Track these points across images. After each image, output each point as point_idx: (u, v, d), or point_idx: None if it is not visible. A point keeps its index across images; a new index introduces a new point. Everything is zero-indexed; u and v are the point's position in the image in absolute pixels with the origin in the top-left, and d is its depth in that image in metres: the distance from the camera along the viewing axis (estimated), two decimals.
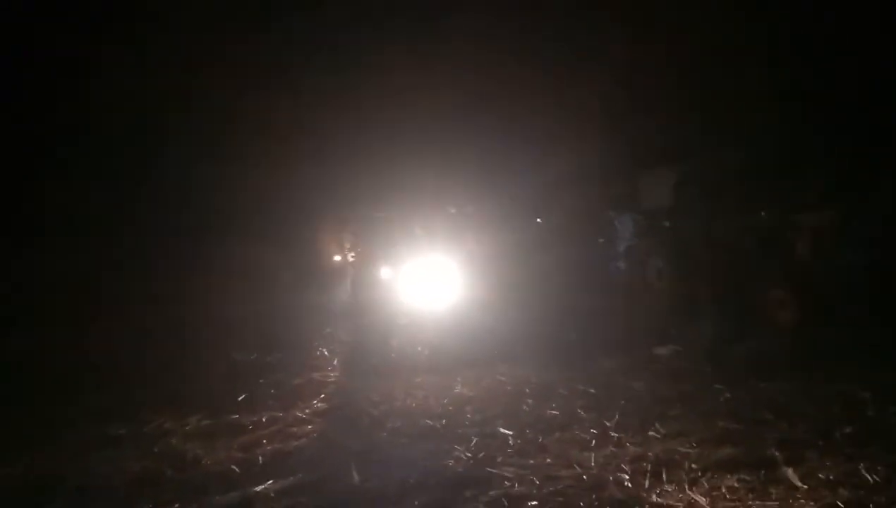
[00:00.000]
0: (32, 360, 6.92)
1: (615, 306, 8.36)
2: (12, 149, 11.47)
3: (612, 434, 4.06)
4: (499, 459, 3.72)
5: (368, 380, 5.83)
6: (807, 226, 7.09)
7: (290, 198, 13.51)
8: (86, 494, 3.64)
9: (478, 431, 4.26)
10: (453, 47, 11.31)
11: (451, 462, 3.73)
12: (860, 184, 6.81)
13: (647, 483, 3.26)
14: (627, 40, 10.45)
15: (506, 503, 3.16)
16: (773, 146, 8.25)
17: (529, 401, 4.99)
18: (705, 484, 3.22)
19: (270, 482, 3.60)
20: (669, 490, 3.19)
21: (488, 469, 3.58)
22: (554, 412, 4.64)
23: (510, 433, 4.18)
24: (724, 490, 3.15)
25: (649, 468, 3.45)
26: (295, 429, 4.63)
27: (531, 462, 3.65)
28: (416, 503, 3.19)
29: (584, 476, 3.40)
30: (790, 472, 3.27)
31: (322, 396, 5.53)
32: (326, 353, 7.33)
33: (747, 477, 3.26)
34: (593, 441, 3.95)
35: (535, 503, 3.15)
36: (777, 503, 3.02)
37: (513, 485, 3.33)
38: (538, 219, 10.86)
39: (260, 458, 4.06)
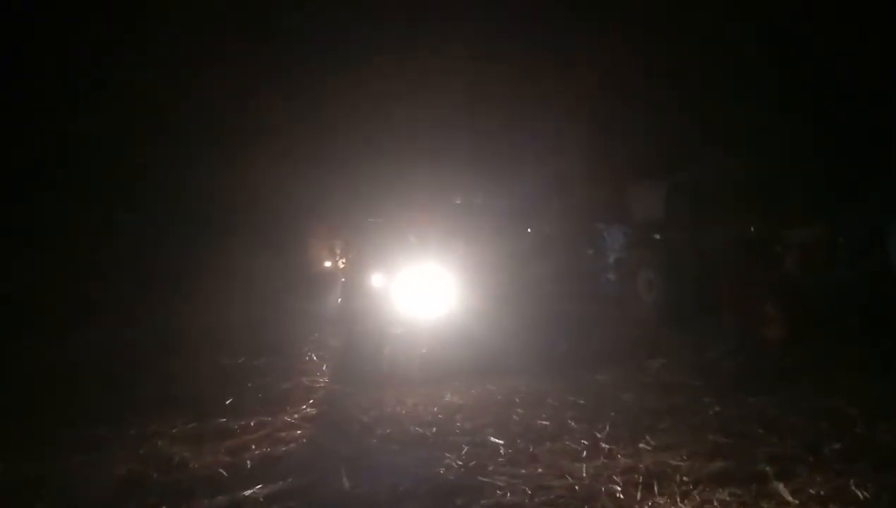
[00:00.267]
0: (17, 363, 6.80)
1: (605, 317, 8.38)
2: (8, 152, 11.36)
3: (603, 445, 4.05)
4: (490, 468, 3.70)
5: (358, 387, 5.79)
6: (796, 239, 7.17)
7: (280, 203, 13.45)
8: (70, 496, 3.57)
9: (468, 440, 4.24)
10: (447, 54, 11.34)
11: (441, 470, 3.71)
12: (849, 199, 6.90)
13: (638, 495, 3.26)
14: (618, 50, 10.53)
15: None
16: (764, 159, 8.34)
17: (519, 411, 4.97)
18: (697, 497, 3.22)
19: (259, 486, 3.56)
20: (661, 502, 3.19)
21: (480, 477, 3.56)
22: (544, 422, 4.63)
23: (501, 442, 4.17)
24: (715, 504, 3.15)
25: (641, 480, 3.44)
26: (283, 434, 4.59)
27: (522, 471, 3.64)
28: None
29: (576, 487, 3.39)
30: (781, 487, 3.28)
31: (311, 401, 5.48)
32: (315, 358, 7.29)
33: (738, 491, 3.26)
34: (584, 452, 3.94)
35: None
36: None
37: (504, 494, 3.32)
38: (528, 229, 10.88)
39: (248, 462, 4.01)
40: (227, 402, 5.51)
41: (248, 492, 3.49)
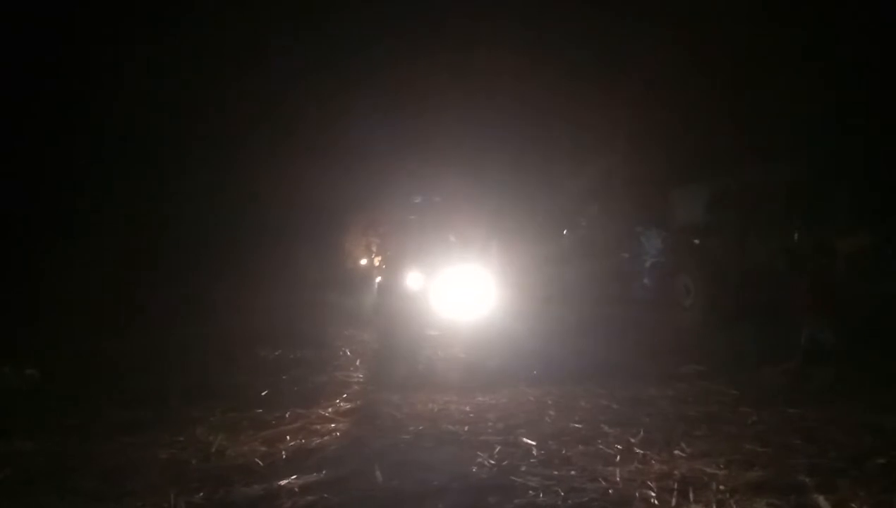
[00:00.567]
0: (69, 355, 7.02)
1: (641, 321, 8.29)
2: (42, 150, 11.69)
3: (637, 450, 4.01)
4: (522, 468, 3.70)
5: (392, 385, 5.85)
6: (842, 248, 6.99)
7: (317, 199, 13.61)
8: (114, 476, 3.69)
9: (501, 439, 4.24)
10: (488, 52, 11.33)
11: (474, 468, 3.72)
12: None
13: (673, 501, 3.22)
14: (664, 52, 10.38)
15: None
16: (810, 165, 8.14)
17: (552, 413, 4.96)
18: (733, 506, 3.17)
19: (294, 476, 3.62)
20: None
21: (512, 477, 3.56)
22: (577, 425, 4.61)
23: (533, 443, 4.16)
24: None
25: (676, 486, 3.40)
26: (318, 426, 4.66)
27: (555, 473, 3.63)
28: (439, 505, 3.18)
29: (610, 491, 3.36)
30: (821, 500, 3.20)
31: (345, 395, 5.56)
32: (349, 353, 7.38)
33: (777, 502, 3.20)
34: (618, 457, 3.91)
35: None
36: None
37: (537, 495, 3.31)
38: (564, 232, 10.82)
39: (283, 453, 4.08)
40: (263, 394, 5.62)
41: (283, 482, 3.55)
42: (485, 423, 4.68)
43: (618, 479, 3.53)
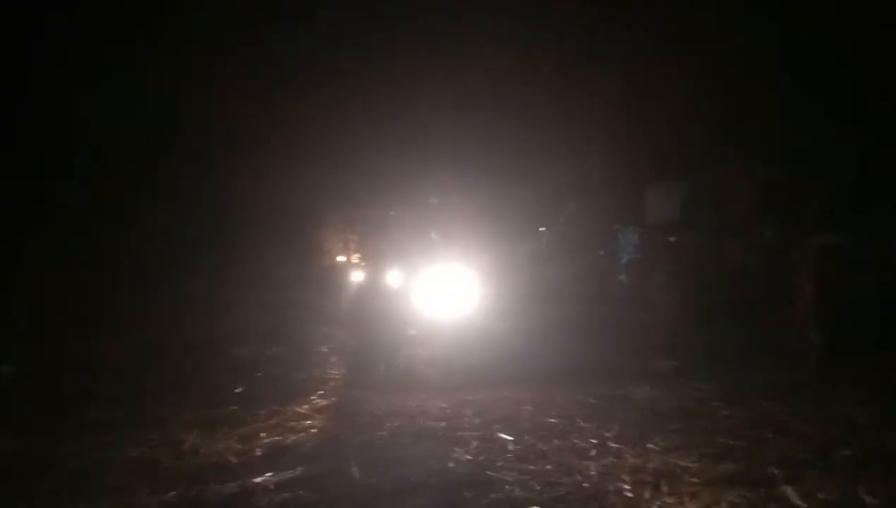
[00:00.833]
0: (41, 356, 6.90)
1: (616, 318, 8.36)
2: (18, 152, 11.44)
3: (612, 444, 4.06)
4: (499, 463, 3.72)
5: (370, 383, 5.83)
6: (813, 246, 7.11)
7: (290, 194, 13.48)
8: (83, 475, 3.63)
9: (478, 435, 4.26)
10: (464, 50, 11.32)
11: (451, 464, 3.73)
12: (871, 207, 6.84)
13: (647, 494, 3.26)
14: (642, 51, 10.46)
15: (507, 507, 3.15)
16: (783, 165, 8.27)
17: (528, 408, 4.99)
18: (705, 498, 3.21)
19: (269, 474, 3.59)
20: (670, 501, 3.19)
21: (489, 472, 3.58)
22: (553, 420, 4.64)
23: (510, 438, 4.18)
24: (724, 505, 3.15)
25: (649, 479, 3.44)
26: (293, 423, 4.64)
27: (531, 467, 3.65)
28: (417, 501, 3.18)
29: (585, 484, 3.39)
30: (790, 490, 3.27)
31: (321, 392, 5.54)
32: (326, 351, 7.35)
33: (747, 493, 3.25)
34: (593, 451, 3.95)
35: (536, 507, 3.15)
36: None
37: (514, 489, 3.33)
38: (542, 229, 10.86)
39: (258, 450, 4.06)
40: (238, 391, 5.58)
41: (258, 479, 3.52)
42: (462, 419, 4.69)
43: (593, 473, 3.56)
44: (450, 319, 6.24)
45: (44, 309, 8.51)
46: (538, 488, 3.36)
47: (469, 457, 3.84)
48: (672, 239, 9.25)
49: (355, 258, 9.66)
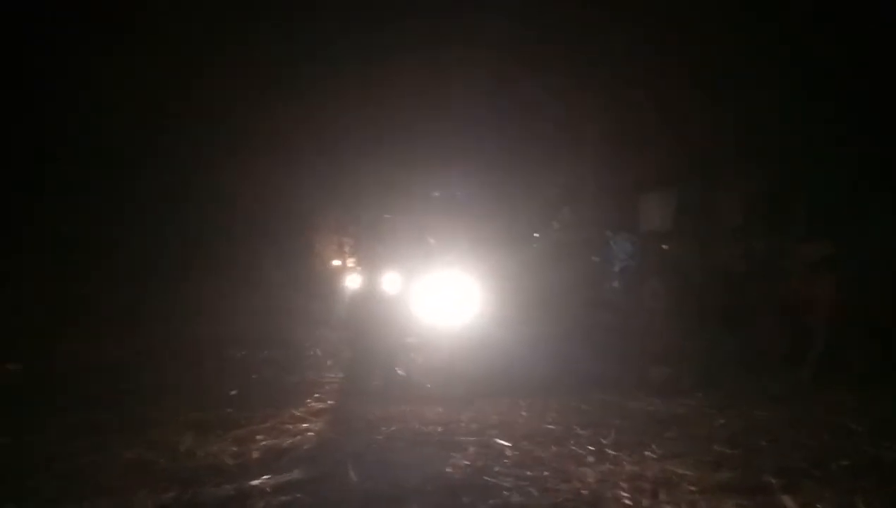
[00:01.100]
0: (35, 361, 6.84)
1: (610, 325, 8.38)
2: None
3: (609, 451, 4.06)
4: (496, 469, 3.71)
5: (364, 386, 5.81)
6: (803, 255, 7.17)
7: (284, 198, 13.43)
8: (76, 480, 3.58)
9: (474, 440, 4.25)
10: (460, 52, 11.31)
11: (448, 469, 3.71)
12: (861, 216, 6.90)
13: (645, 502, 3.26)
14: (638, 59, 10.51)
15: None
16: (773, 175, 8.33)
17: (524, 415, 5.00)
18: (703, 506, 3.22)
19: (266, 476, 3.56)
20: None
21: (486, 477, 3.57)
22: (550, 426, 4.65)
23: (507, 444, 4.18)
24: None
25: (647, 486, 3.45)
26: (289, 426, 4.61)
27: (528, 473, 3.64)
28: (414, 506, 3.16)
29: (583, 491, 3.39)
30: (787, 499, 3.28)
31: (316, 396, 5.51)
32: (320, 354, 7.32)
33: (744, 502, 3.26)
34: (590, 458, 3.95)
35: None
36: None
37: (511, 495, 3.32)
38: (536, 235, 10.86)
39: (254, 453, 4.03)
40: (233, 393, 5.55)
41: (255, 482, 3.49)
42: (458, 424, 4.68)
43: (590, 480, 3.56)
44: (448, 327, 6.16)
45: (41, 312, 8.46)
46: (536, 494, 3.35)
47: (466, 462, 3.83)
48: (665, 246, 9.30)
49: (350, 262, 9.58)
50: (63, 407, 4.87)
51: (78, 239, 11.01)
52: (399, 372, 6.19)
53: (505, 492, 3.37)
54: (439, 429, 4.54)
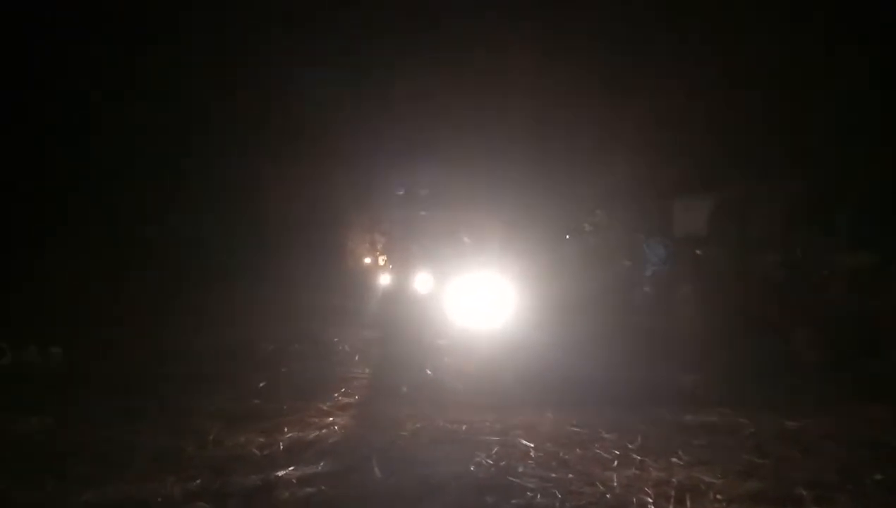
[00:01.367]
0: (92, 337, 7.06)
1: (640, 330, 8.28)
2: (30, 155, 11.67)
3: (635, 456, 4.01)
4: (520, 469, 3.70)
5: (392, 381, 5.84)
6: (842, 265, 7.00)
7: (316, 195, 13.53)
8: (109, 462, 3.69)
9: (499, 440, 4.25)
10: (497, 52, 11.28)
11: (472, 468, 3.72)
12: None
13: None
14: (676, 62, 10.36)
15: None
16: (813, 183, 8.15)
17: (550, 416, 4.96)
18: None
19: (291, 468, 3.62)
20: None
21: (510, 477, 3.56)
22: (575, 428, 4.61)
23: (531, 445, 4.16)
24: None
25: (673, 493, 3.40)
26: (315, 420, 4.67)
27: (553, 475, 3.63)
28: (438, 503, 3.18)
29: (607, 495, 3.36)
30: None
31: (343, 390, 5.56)
32: (349, 350, 7.38)
33: None
34: (615, 462, 3.91)
35: None
36: None
37: (535, 496, 3.31)
38: (567, 236, 10.78)
39: (281, 444, 4.09)
40: (261, 385, 5.63)
41: (281, 473, 3.55)
42: (483, 423, 4.68)
43: (615, 484, 3.53)
44: (480, 329, 6.02)
45: (85, 304, 8.70)
46: (560, 496, 3.33)
47: (490, 462, 3.83)
48: (699, 252, 9.15)
49: (382, 260, 9.56)
50: (103, 393, 5.02)
51: (122, 238, 11.32)
52: (428, 372, 6.17)
53: (529, 493, 3.36)
54: (464, 428, 4.54)
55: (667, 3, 10.57)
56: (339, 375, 6.21)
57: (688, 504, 3.29)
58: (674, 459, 3.96)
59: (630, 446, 4.19)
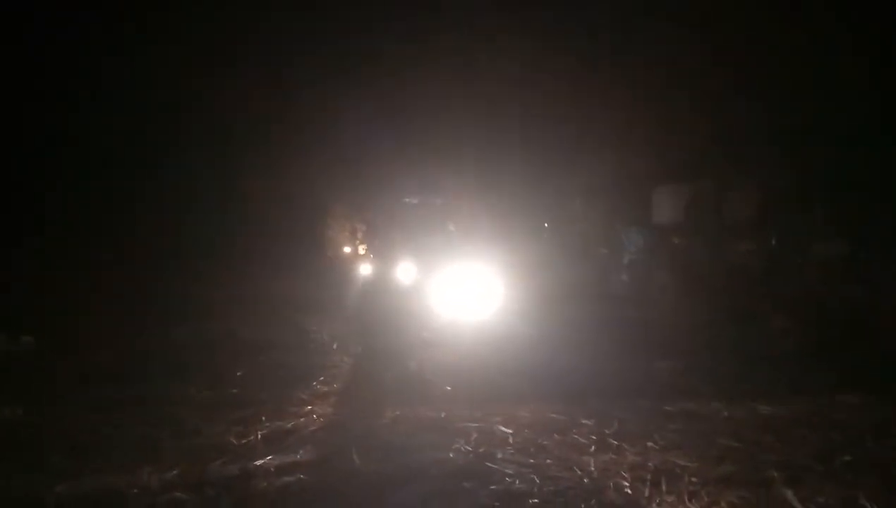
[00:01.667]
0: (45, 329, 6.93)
1: (617, 318, 8.36)
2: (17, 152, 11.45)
3: (612, 441, 4.06)
4: (499, 455, 3.73)
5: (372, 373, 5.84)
6: (816, 255, 7.12)
7: (292, 181, 13.39)
8: (83, 453, 3.64)
9: (478, 427, 4.27)
10: (479, 48, 11.25)
11: (451, 454, 3.74)
12: (876, 216, 6.83)
13: (647, 492, 3.27)
14: (654, 54, 10.42)
15: (506, 498, 3.16)
16: (788, 173, 8.26)
17: (529, 404, 4.98)
18: (705, 498, 3.22)
19: (270, 457, 3.61)
20: (669, 500, 3.20)
21: (488, 463, 3.59)
22: (553, 415, 4.64)
23: (510, 431, 4.19)
24: (723, 505, 3.16)
25: (649, 477, 3.45)
26: (294, 408, 4.65)
27: (531, 461, 3.66)
28: (417, 489, 3.19)
29: (585, 480, 3.40)
30: (789, 494, 3.27)
31: (322, 379, 5.54)
32: (327, 339, 7.35)
33: (746, 494, 3.26)
34: (592, 447, 3.95)
35: (535, 500, 3.15)
36: None
37: (513, 481, 3.34)
38: (545, 225, 10.83)
39: (259, 434, 4.07)
40: (239, 374, 5.59)
41: (259, 462, 3.54)
42: (462, 411, 4.69)
43: (592, 468, 3.57)
44: (468, 322, 5.94)
45: (64, 294, 8.55)
46: (538, 481, 3.37)
47: (469, 448, 3.85)
48: (676, 240, 9.25)
49: (363, 249, 9.44)
50: (77, 383, 4.95)
51: (97, 228, 11.15)
52: (411, 365, 6.15)
53: (507, 479, 3.39)
54: (443, 415, 4.55)
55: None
56: (318, 364, 6.18)
57: (663, 487, 3.34)
58: (650, 444, 4.02)
59: (607, 431, 4.25)
